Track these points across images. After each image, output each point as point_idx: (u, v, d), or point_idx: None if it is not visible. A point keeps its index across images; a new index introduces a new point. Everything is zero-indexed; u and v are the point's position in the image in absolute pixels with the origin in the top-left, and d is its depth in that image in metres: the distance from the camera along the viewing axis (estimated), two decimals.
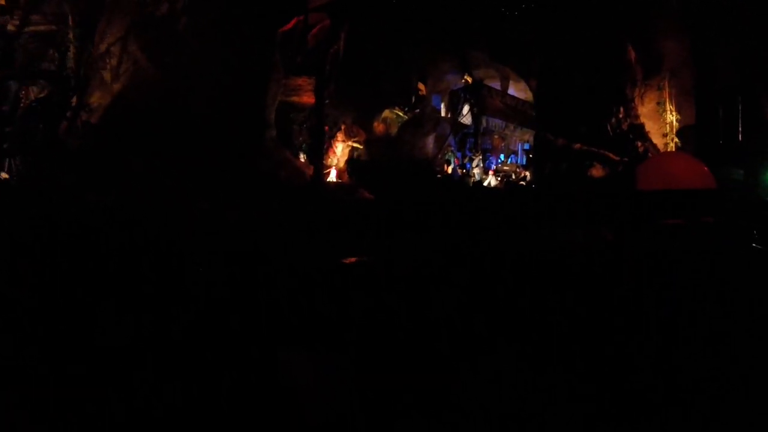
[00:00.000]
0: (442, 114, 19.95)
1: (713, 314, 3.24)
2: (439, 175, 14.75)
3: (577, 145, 12.84)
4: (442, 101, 20.11)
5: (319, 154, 11.04)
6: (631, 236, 5.73)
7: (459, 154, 19.50)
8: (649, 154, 10.85)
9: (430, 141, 18.78)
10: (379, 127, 18.22)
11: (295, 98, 12.45)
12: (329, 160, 13.15)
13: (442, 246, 5.72)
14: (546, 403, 2.38)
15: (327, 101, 12.16)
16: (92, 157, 9.08)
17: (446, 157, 18.64)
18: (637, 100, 11.58)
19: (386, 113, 18.21)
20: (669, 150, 10.33)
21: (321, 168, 11.20)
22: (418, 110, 17.98)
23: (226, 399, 2.35)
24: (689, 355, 2.85)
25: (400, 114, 18.42)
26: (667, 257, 4.31)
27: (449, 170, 17.92)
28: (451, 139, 19.02)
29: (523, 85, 17.77)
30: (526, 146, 20.07)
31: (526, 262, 4.69)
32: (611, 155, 11.91)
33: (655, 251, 4.59)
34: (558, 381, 2.56)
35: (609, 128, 11.91)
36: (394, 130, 18.37)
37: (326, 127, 12.77)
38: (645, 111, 11.40)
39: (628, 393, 2.49)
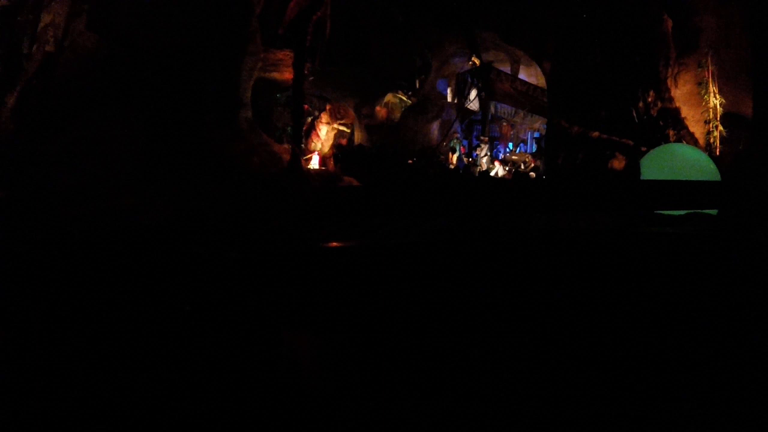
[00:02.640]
0: (448, 99, 18.09)
1: (711, 307, 2.95)
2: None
3: (595, 134, 10.83)
4: (448, 85, 18.14)
5: (297, 136, 8.92)
6: (632, 226, 5.48)
7: (465, 142, 17.89)
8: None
9: (435, 128, 17.21)
10: (381, 111, 16.55)
11: (275, 74, 10.30)
12: (312, 144, 11.01)
13: (431, 235, 5.09)
14: (540, 395, 2.11)
15: (311, 78, 9.98)
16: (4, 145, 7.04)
17: (452, 144, 16.92)
18: (669, 81, 9.29)
19: (389, 97, 16.48)
20: (712, 139, 8.08)
21: (299, 152, 9.07)
22: (418, 85, 15.92)
23: (232, 376, 2.15)
24: (687, 349, 2.50)
25: (404, 98, 16.56)
26: (667, 248, 4.05)
27: (454, 159, 16.19)
28: (457, 126, 17.38)
29: (534, 69, 15.92)
30: (536, 135, 18.25)
31: (522, 251, 4.20)
32: (632, 144, 9.73)
33: (654, 242, 4.38)
34: (555, 374, 2.28)
35: (635, 114, 9.68)
36: (397, 116, 16.66)
37: (306, 107, 10.61)
38: (679, 94, 9.11)
39: (625, 385, 2.19)
